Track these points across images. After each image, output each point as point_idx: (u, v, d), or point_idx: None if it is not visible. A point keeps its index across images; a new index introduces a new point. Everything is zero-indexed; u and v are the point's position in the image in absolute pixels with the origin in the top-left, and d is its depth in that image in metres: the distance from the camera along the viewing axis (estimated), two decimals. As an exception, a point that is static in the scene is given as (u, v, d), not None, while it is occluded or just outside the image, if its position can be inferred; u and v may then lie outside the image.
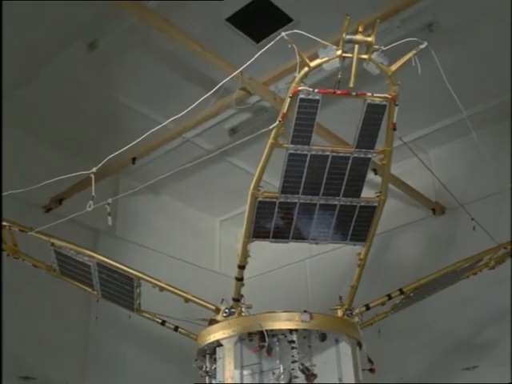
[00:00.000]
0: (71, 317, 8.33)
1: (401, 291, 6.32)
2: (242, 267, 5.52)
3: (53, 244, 6.05)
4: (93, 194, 5.03)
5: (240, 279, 5.64)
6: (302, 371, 5.42)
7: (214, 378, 5.73)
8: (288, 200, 5.22)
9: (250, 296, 6.24)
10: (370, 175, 7.60)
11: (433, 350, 8.53)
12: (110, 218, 5.33)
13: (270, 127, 4.77)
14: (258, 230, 5.36)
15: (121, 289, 6.12)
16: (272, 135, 4.81)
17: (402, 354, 8.66)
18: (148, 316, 6.53)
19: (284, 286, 10.20)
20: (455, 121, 8.71)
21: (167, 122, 5.15)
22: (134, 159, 8.07)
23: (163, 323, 6.50)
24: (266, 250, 10.41)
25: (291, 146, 4.89)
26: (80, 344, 8.36)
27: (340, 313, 5.93)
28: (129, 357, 8.78)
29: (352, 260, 6.20)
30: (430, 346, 8.59)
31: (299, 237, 5.53)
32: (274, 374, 5.59)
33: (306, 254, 10.38)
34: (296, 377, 5.32)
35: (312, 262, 10.40)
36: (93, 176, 5.08)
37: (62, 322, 8.18)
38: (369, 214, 5.42)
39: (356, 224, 5.46)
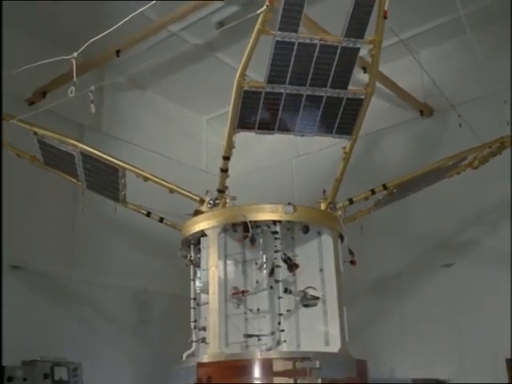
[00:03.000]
0: (58, 208, 8.39)
1: (384, 187, 6.36)
2: (226, 158, 5.50)
3: (35, 133, 5.97)
4: (74, 79, 4.92)
5: (225, 170, 5.63)
6: (285, 261, 5.54)
7: (198, 266, 5.86)
8: (274, 90, 5.13)
9: (235, 193, 6.27)
10: (360, 74, 7.51)
11: (414, 248, 8.76)
12: (92, 105, 5.26)
13: (258, 12, 4.61)
14: (244, 121, 5.31)
15: (106, 179, 6.12)
16: (259, 21, 4.65)
17: (383, 250, 8.88)
18: (133, 207, 6.58)
19: (270, 184, 10.27)
20: (447, 20, 8.54)
21: (145, 7, 4.95)
22: (118, 52, 7.84)
23: (148, 214, 6.56)
24: (253, 149, 10.47)
25: (278, 33, 4.76)
26: (67, 235, 8.48)
27: (323, 206, 5.98)
28: (115, 249, 8.94)
29: (338, 160, 6.19)
30: (411, 244, 8.81)
31: (285, 129, 5.48)
32: (256, 263, 5.75)
33: (292, 154, 10.42)
34: (278, 266, 5.43)
35: (298, 162, 10.45)
36: (74, 61, 4.95)
37: (48, 213, 8.24)
38: (355, 106, 5.36)
39: (342, 117, 5.41)
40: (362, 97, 5.35)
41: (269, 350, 5.23)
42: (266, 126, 5.42)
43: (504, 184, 7.91)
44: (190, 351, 5.61)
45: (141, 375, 8.54)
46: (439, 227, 8.56)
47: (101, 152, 6.03)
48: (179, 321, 6.52)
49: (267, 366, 4.83)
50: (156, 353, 8.84)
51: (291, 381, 4.74)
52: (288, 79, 5.07)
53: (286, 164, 10.54)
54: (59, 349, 7.42)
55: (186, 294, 6.05)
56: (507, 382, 7.15)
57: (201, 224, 5.66)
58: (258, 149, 10.54)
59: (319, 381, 4.78)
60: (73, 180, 6.45)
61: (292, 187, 10.21)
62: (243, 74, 4.96)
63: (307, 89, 5.17)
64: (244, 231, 5.51)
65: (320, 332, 5.50)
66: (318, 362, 4.82)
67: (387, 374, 8.15)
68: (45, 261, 7.98)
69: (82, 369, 7.21)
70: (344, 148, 5.73)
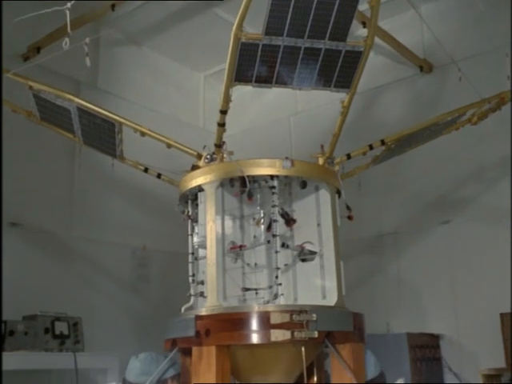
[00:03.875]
0: (56, 165, 8.40)
1: (382, 142, 6.32)
2: (223, 112, 5.43)
3: (31, 87, 5.88)
4: (68, 31, 4.84)
5: (222, 125, 5.57)
6: (282, 216, 5.52)
7: (196, 222, 5.84)
8: (272, 42, 5.04)
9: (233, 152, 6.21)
10: (360, 30, 7.39)
11: (412, 205, 8.79)
12: (87, 58, 5.17)
13: (255, -40, 4.51)
14: (241, 74, 5.22)
15: (103, 135, 6.05)
16: (256, -30, 4.55)
17: (380, 208, 8.93)
18: (131, 163, 6.55)
19: (267, 142, 10.23)
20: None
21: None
22: (113, 6, 7.77)
23: (146, 170, 6.53)
24: (249, 108, 10.41)
25: (276, -18, 4.66)
26: (65, 192, 8.50)
27: (321, 161, 5.94)
28: (113, 206, 8.97)
29: (337, 117, 6.11)
30: (408, 202, 8.85)
31: (282, 82, 5.40)
32: (254, 218, 5.74)
33: (290, 111, 10.35)
34: (275, 221, 5.41)
35: (296, 119, 10.39)
36: (67, 12, 4.85)
37: (46, 169, 8.24)
38: (354, 59, 5.27)
39: (341, 70, 5.33)
40: (361, 49, 5.25)
41: (266, 303, 5.26)
42: (264, 80, 5.34)
43: (504, 140, 7.89)
44: (188, 305, 5.64)
45: (140, 329, 8.66)
46: (436, 186, 8.58)
47: (96, 106, 5.94)
48: (177, 277, 6.57)
49: (265, 318, 4.85)
50: (155, 307, 8.95)
51: (288, 333, 4.78)
52: (286, 31, 4.97)
53: (283, 121, 10.48)
54: (59, 304, 7.51)
55: (184, 251, 6.07)
56: (501, 335, 7.25)
57: (198, 179, 5.60)
58: (255, 108, 10.49)
59: (316, 333, 4.82)
60: (69, 136, 6.39)
61: (290, 145, 10.19)
62: (240, 26, 4.86)
63: (305, 41, 5.08)
64: (241, 186, 5.48)
65: (317, 286, 5.52)
66: (314, 315, 4.85)
67: (383, 329, 8.26)
68: (43, 218, 8.02)
69: (81, 323, 7.31)
70: (342, 102, 5.66)
